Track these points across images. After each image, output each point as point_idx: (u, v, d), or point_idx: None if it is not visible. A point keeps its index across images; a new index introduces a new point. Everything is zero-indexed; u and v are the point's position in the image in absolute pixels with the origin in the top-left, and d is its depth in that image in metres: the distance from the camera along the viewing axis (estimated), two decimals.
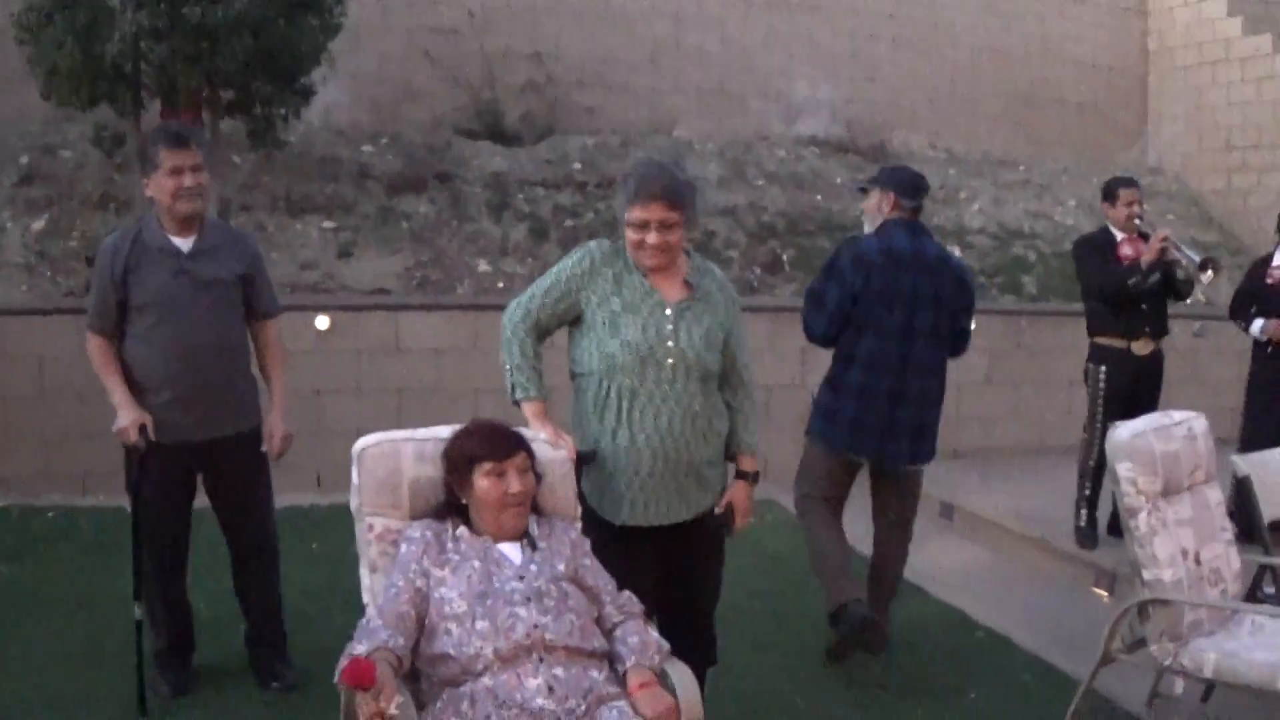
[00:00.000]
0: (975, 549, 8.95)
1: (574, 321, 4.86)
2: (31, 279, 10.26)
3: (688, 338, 4.73)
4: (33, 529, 8.50)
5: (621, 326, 4.70)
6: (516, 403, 4.88)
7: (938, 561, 8.44)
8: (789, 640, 6.73)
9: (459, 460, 4.28)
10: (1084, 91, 16.71)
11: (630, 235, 4.72)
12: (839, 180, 13.57)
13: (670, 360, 4.69)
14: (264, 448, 5.81)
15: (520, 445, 4.31)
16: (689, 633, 4.94)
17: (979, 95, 16.02)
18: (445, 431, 4.44)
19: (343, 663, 3.51)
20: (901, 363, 6.23)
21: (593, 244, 4.91)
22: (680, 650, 4.80)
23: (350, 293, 10.73)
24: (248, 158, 11.88)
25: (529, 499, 4.29)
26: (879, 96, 15.54)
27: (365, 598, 4.31)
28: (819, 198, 13.37)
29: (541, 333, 4.90)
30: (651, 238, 4.66)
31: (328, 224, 11.49)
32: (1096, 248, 8.11)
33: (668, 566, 4.94)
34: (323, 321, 9.77)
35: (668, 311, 4.73)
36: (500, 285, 11.17)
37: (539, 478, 4.38)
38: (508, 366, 4.88)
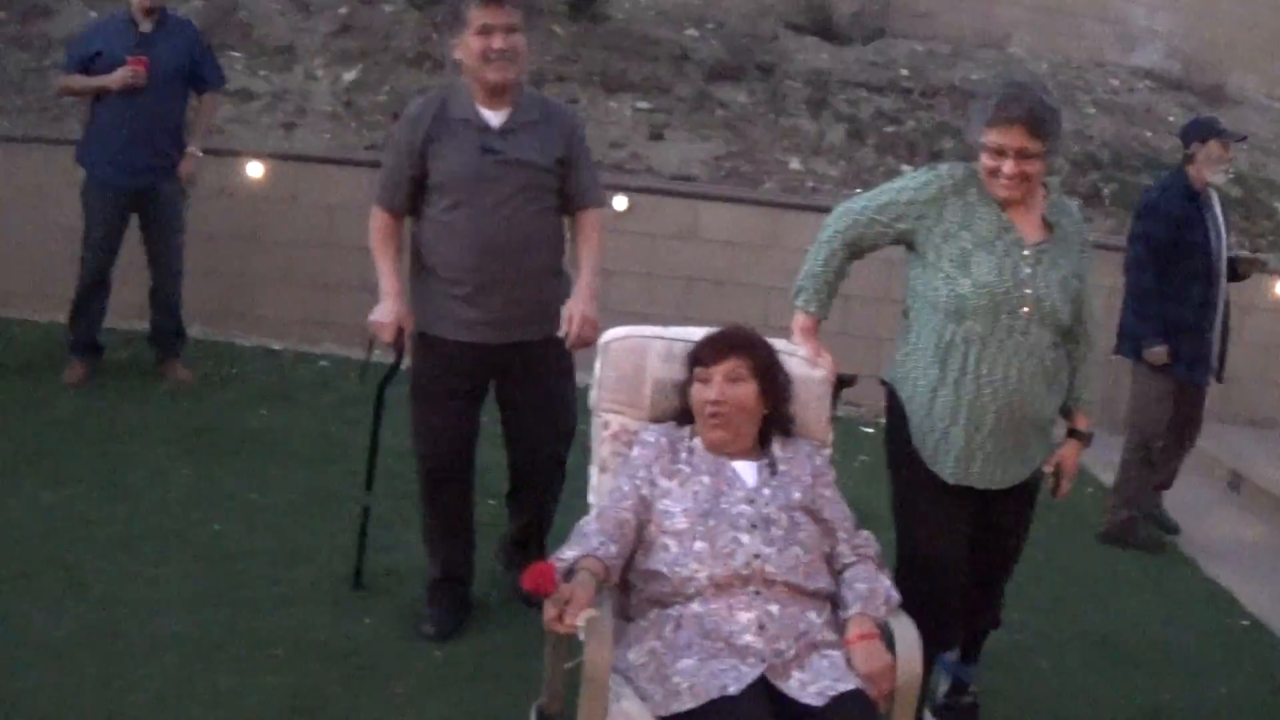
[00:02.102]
0: (1259, 526, 8.29)
1: (909, 247, 4.42)
2: (336, 127, 10.33)
3: (1045, 283, 4.24)
4: (302, 375, 8.71)
5: (974, 265, 4.22)
6: (797, 294, 4.52)
7: (1218, 534, 7.96)
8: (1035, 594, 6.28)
9: (688, 364, 4.07)
10: None
11: (985, 161, 4.22)
12: (1170, 118, 12.83)
13: (1026, 308, 4.21)
14: (563, 336, 4.93)
15: (735, 350, 4.01)
16: (983, 594, 4.68)
17: None
18: (699, 333, 4.16)
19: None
20: None
21: (944, 168, 4.40)
22: (969, 611, 4.61)
23: (655, 175, 10.49)
24: (569, 29, 11.77)
25: (736, 412, 3.96)
26: (1219, 34, 14.53)
27: (591, 497, 4.18)
28: (1148, 134, 12.64)
29: (862, 249, 4.47)
30: (1008, 166, 4.15)
31: (642, 104, 11.28)
32: None
33: (984, 519, 4.52)
34: (620, 202, 9.59)
35: (1026, 252, 4.25)
36: (809, 185, 10.80)
37: (786, 395, 4.14)
38: (805, 268, 4.51)
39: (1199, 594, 6.85)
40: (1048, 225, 4.34)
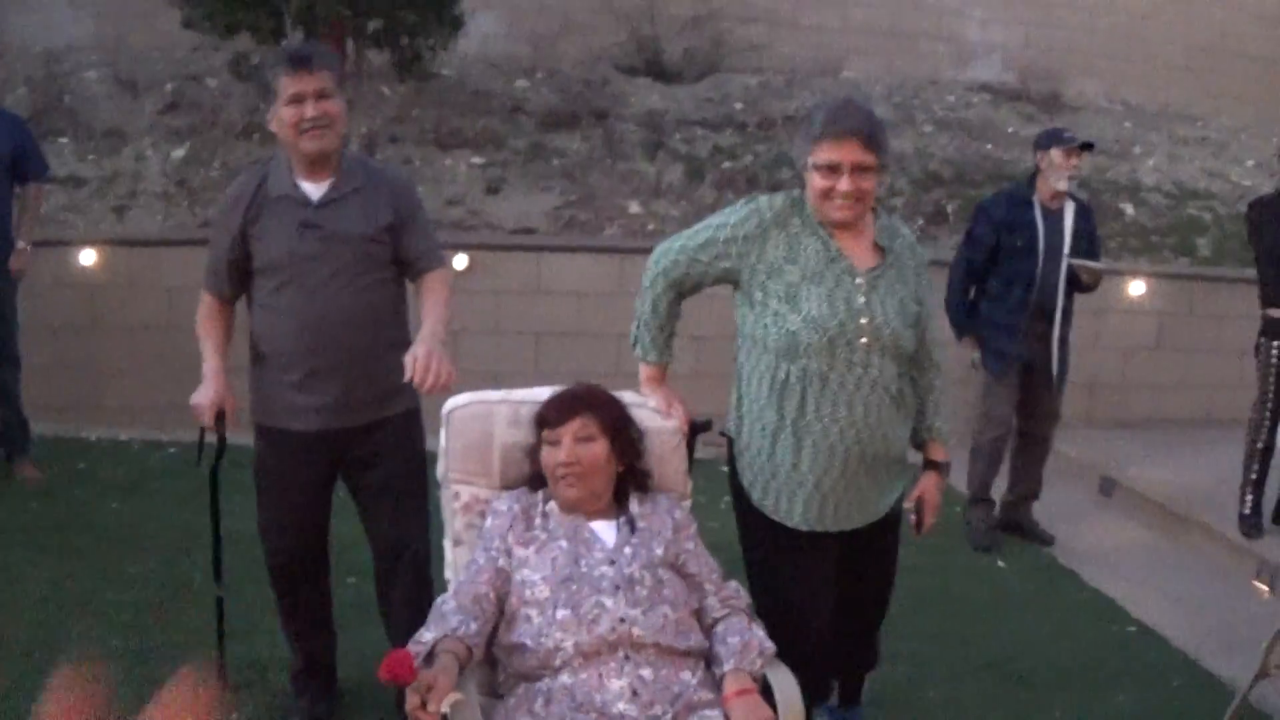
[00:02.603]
0: (1135, 529, 8.37)
1: (735, 285, 4.19)
2: (169, 208, 10.19)
3: (882, 312, 4.00)
4: (153, 464, 8.46)
5: (802, 299, 3.98)
6: (634, 344, 4.39)
7: (1095, 541, 8.01)
8: (918, 622, 6.23)
9: (535, 426, 3.93)
10: (1268, 45, 15.89)
11: (816, 182, 3.95)
12: (1010, 129, 13.02)
13: (864, 339, 3.97)
14: (409, 378, 4.26)
15: (584, 409, 3.87)
16: (855, 638, 4.58)
17: (1159, 45, 15.29)
18: (545, 393, 4.03)
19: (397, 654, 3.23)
20: None
21: (763, 200, 4.13)
22: (843, 655, 4.54)
23: (495, 230, 10.45)
24: (398, 89, 11.68)
25: (589, 470, 3.81)
26: (1055, 42, 14.89)
27: (447, 573, 4.05)
28: (989, 146, 12.79)
29: (685, 291, 4.26)
30: (844, 184, 3.90)
31: (477, 159, 11.24)
32: (1276, 212, 7.53)
33: (843, 565, 4.35)
34: (461, 260, 9.50)
35: (858, 280, 4.00)
36: (650, 228, 10.80)
37: (639, 450, 4.01)
38: (636, 316, 4.37)
39: (1085, 605, 6.86)
40: (880, 250, 4.13)
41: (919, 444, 4.40)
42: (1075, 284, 7.44)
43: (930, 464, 4.40)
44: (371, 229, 4.56)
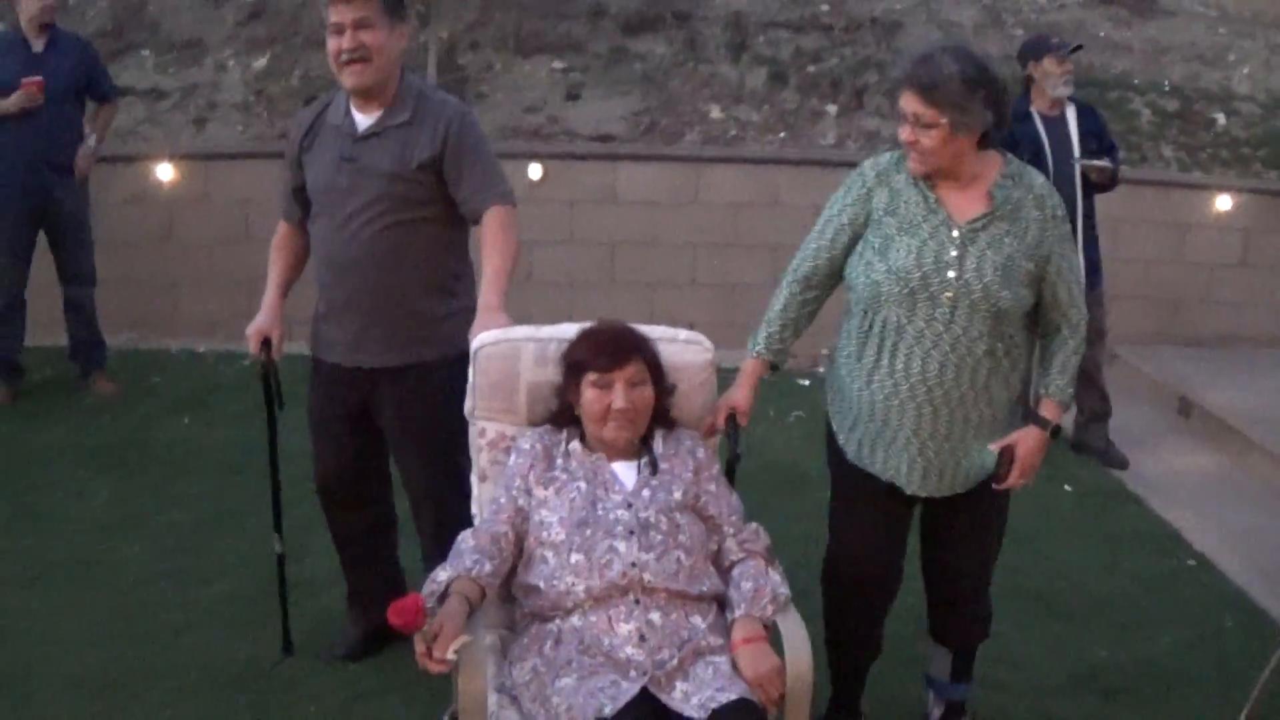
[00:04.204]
0: (1208, 454, 8.08)
1: None
2: (248, 119, 10.21)
3: (976, 267, 3.84)
4: (225, 377, 8.64)
5: (893, 250, 3.90)
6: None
7: (1167, 466, 7.79)
8: None
9: (570, 366, 3.88)
10: None
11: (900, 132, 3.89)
12: (1101, 34, 12.65)
13: (948, 294, 3.84)
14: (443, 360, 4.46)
15: (634, 353, 3.84)
16: (954, 607, 4.40)
17: None
18: (571, 331, 4.01)
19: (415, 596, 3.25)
20: None
21: (866, 162, 4.08)
22: (942, 624, 4.44)
23: (574, 138, 10.39)
24: None
25: (641, 414, 3.82)
26: None
27: (473, 508, 4.06)
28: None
29: (817, 284, 4.14)
30: (905, 133, 3.84)
31: (557, 64, 11.14)
32: None
33: (933, 526, 4.30)
34: (535, 171, 9.50)
35: (954, 233, 3.87)
36: (731, 133, 10.67)
37: (670, 388, 3.98)
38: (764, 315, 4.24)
39: (1144, 535, 6.68)
40: (991, 199, 3.93)
41: (1035, 401, 4.18)
42: (1090, 185, 7.31)
43: (1033, 417, 4.10)
44: (404, 166, 4.39)
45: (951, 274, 3.85)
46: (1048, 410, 4.09)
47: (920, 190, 3.94)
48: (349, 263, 4.48)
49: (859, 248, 4.02)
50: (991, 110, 3.83)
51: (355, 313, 4.53)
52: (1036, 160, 6.95)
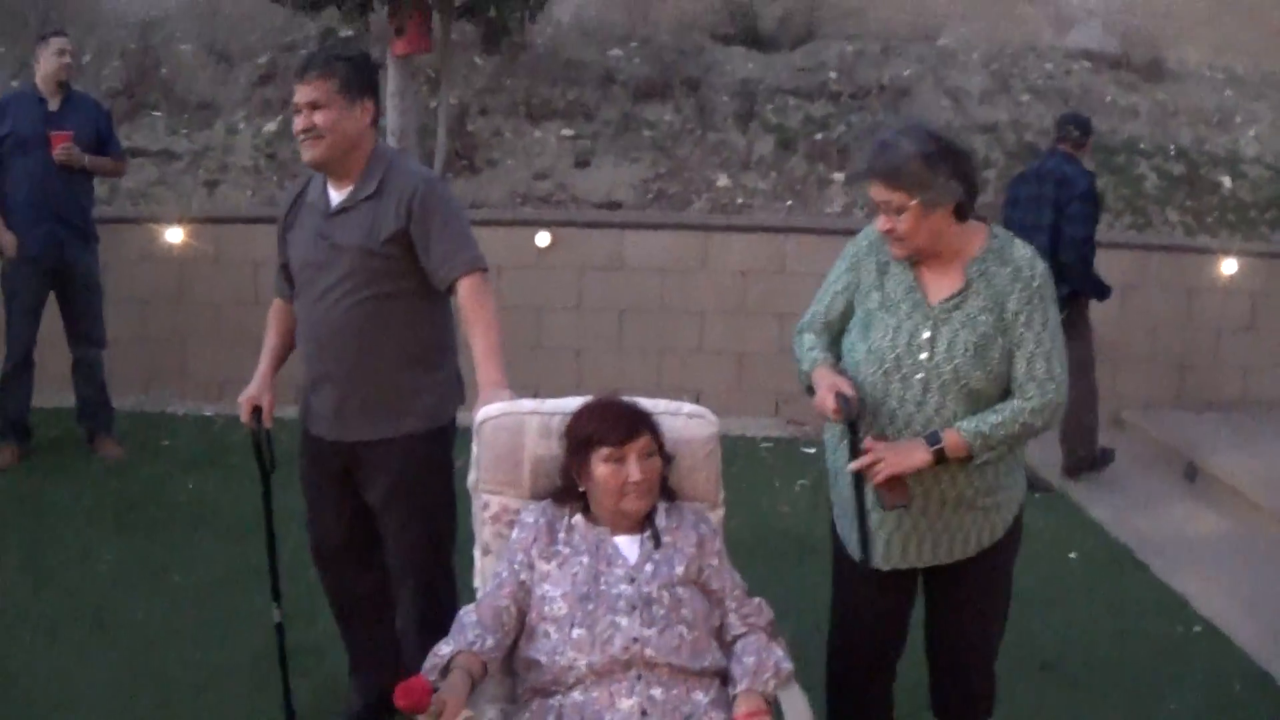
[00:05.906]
0: (1215, 519, 8.04)
1: None
2: (258, 182, 10.27)
3: (947, 348, 3.78)
4: (233, 440, 8.57)
5: (873, 328, 3.90)
6: (810, 390, 4.00)
7: (1173, 531, 7.75)
8: None
9: (578, 442, 3.85)
10: None
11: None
12: (1108, 98, 12.74)
13: (920, 375, 3.80)
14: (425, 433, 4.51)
15: (643, 426, 3.82)
16: (956, 677, 4.32)
17: (1265, 9, 14.74)
18: (574, 404, 4.00)
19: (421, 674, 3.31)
20: None
21: (861, 232, 4.08)
22: (944, 700, 4.39)
23: (582, 204, 10.46)
24: (489, 60, 11.64)
25: (655, 485, 3.82)
26: (1156, 6, 14.47)
27: (476, 581, 4.05)
28: (1086, 116, 12.53)
29: (834, 344, 4.09)
30: (881, 222, 3.82)
31: (567, 131, 11.24)
32: None
33: (936, 594, 4.21)
34: (544, 238, 9.53)
35: (928, 313, 3.84)
36: (739, 201, 10.75)
37: (669, 459, 3.94)
38: (798, 365, 4.11)
39: (1150, 602, 6.64)
40: (966, 278, 3.87)
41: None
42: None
43: (931, 436, 3.78)
44: (372, 240, 4.41)
45: (924, 355, 3.82)
46: (948, 437, 3.77)
47: (904, 267, 3.93)
48: (327, 337, 4.50)
49: (850, 324, 4.04)
50: (958, 180, 3.78)
51: (335, 386, 4.55)
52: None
